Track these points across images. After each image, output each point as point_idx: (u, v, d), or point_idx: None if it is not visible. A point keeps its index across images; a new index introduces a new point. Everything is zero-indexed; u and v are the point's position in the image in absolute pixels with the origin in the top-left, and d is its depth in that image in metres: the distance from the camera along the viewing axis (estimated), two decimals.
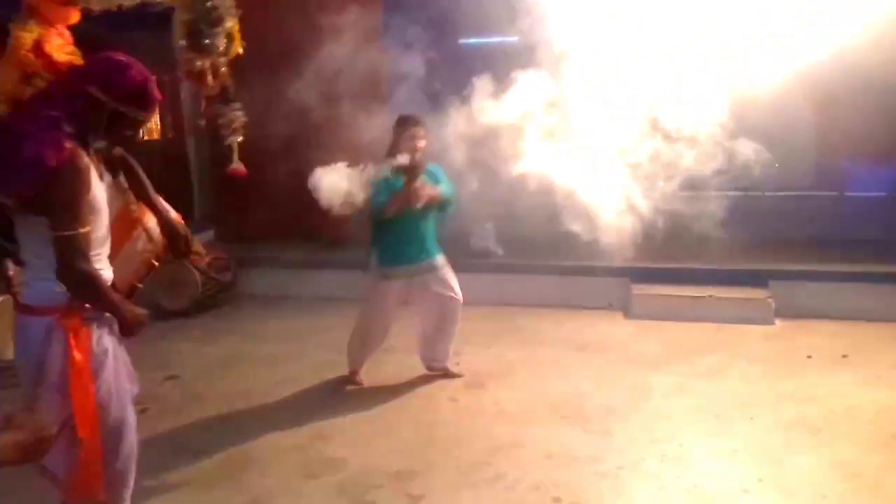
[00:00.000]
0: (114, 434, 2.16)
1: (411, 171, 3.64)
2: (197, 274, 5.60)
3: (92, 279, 2.03)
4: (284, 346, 4.87)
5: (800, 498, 2.80)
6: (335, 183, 3.47)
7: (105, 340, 2.14)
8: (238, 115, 4.51)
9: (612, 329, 5.05)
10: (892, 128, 7.43)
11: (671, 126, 5.80)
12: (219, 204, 7.31)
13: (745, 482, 2.92)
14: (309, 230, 6.90)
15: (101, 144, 2.20)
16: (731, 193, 9.05)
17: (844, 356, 4.33)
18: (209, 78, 4.19)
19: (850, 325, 4.90)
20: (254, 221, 6.83)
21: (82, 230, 1.98)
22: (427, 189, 3.75)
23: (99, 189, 2.09)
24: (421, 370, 4.24)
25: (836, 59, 4.70)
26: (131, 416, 2.26)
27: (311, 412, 3.75)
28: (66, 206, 1.95)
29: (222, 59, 4.28)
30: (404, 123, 3.78)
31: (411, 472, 3.07)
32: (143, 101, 2.11)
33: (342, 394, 4.00)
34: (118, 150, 2.38)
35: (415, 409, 3.75)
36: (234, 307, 5.94)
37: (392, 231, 3.80)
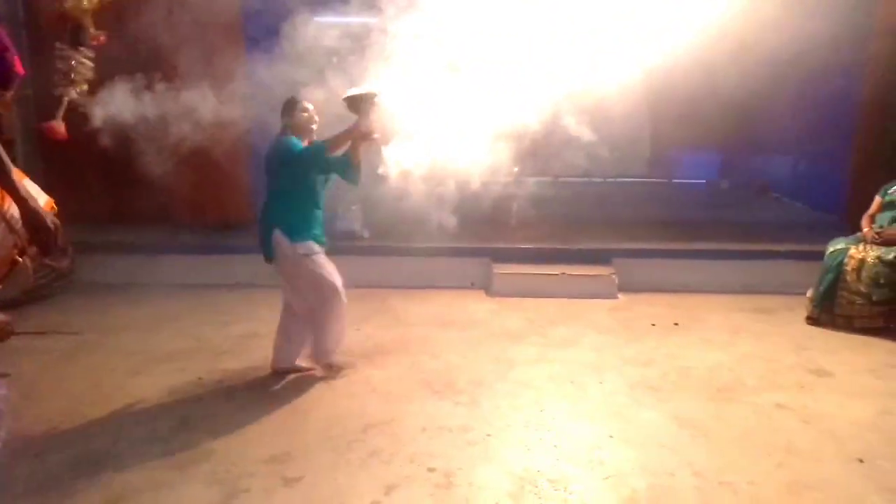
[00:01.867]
0: None
1: (368, 104, 3.53)
2: (28, 261, 5.04)
3: None
4: (135, 335, 4.55)
5: (645, 448, 3.12)
6: None
7: None
8: (85, 64, 4.07)
9: (476, 306, 5.26)
10: (712, 121, 8.38)
11: (521, 116, 6.15)
12: (52, 181, 6.60)
13: (599, 439, 3.20)
14: (157, 211, 6.47)
15: None
16: (577, 179, 9.80)
17: (676, 324, 4.86)
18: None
19: (681, 297, 5.50)
20: (94, 201, 6.28)
21: None
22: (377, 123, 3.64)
23: None
24: None
25: (667, 59, 5.20)
26: None
27: (171, 403, 3.56)
28: None
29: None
30: (293, 101, 3.70)
31: (286, 455, 3.03)
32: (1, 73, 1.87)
33: (205, 383, 3.82)
34: None
35: (286, 393, 3.68)
36: (73, 296, 5.44)
37: (303, 202, 3.70)
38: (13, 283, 5.09)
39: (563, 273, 5.66)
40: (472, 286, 5.77)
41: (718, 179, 10.23)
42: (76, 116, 5.28)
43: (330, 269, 3.79)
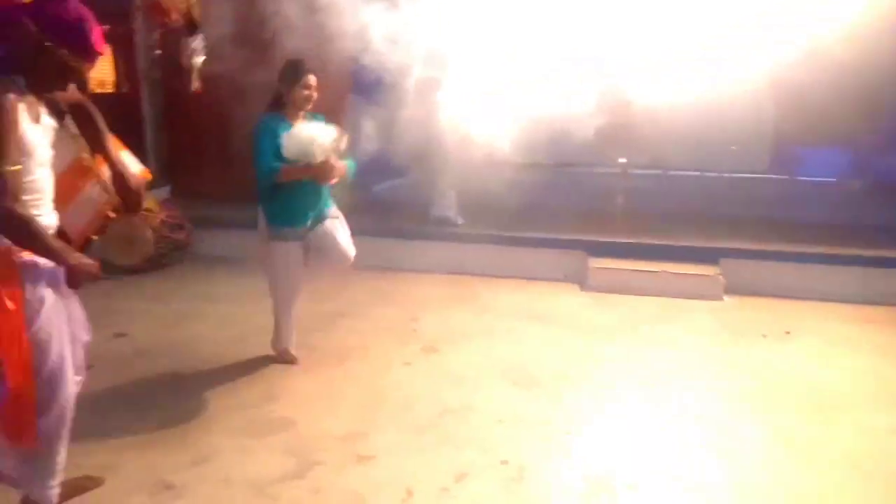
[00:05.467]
0: (49, 383, 2.11)
1: (336, 151, 3.36)
2: (150, 231, 5.45)
3: (22, 220, 1.93)
4: (236, 307, 4.80)
5: (736, 462, 2.90)
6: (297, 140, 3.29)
7: (41, 288, 2.06)
8: (200, 43, 4.32)
9: (567, 300, 5.12)
10: (845, 115, 7.64)
11: (635, 104, 5.90)
12: (174, 161, 7.11)
13: (685, 448, 3.01)
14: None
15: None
16: (689, 174, 9.30)
17: (787, 332, 4.48)
18: (173, 13, 4.00)
19: (794, 304, 5.07)
20: (210, 180, 6.66)
21: (9, 168, 1.89)
22: (339, 167, 3.40)
23: (31, 131, 2.00)
24: (377, 332, 4.25)
25: (796, 45, 4.79)
26: (69, 367, 2.20)
27: (260, 373, 3.72)
28: None
29: None
30: (297, 70, 3.40)
31: (361, 434, 3.08)
32: (74, 42, 1.97)
33: (293, 358, 3.96)
34: (76, 95, 2.28)
35: (367, 373, 3.74)
36: (187, 267, 5.82)
37: (287, 189, 3.39)
38: (137, 250, 5.54)
39: (665, 271, 5.38)
40: (565, 279, 5.61)
41: (850, 179, 9.33)
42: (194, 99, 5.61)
43: (290, 264, 3.57)
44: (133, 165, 2.50)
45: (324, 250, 3.61)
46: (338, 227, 3.67)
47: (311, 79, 3.42)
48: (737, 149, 8.89)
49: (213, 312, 4.70)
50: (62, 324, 2.17)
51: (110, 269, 5.37)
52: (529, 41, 4.80)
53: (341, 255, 3.65)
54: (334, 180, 3.44)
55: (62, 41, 1.95)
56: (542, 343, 4.21)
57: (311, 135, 3.34)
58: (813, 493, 2.69)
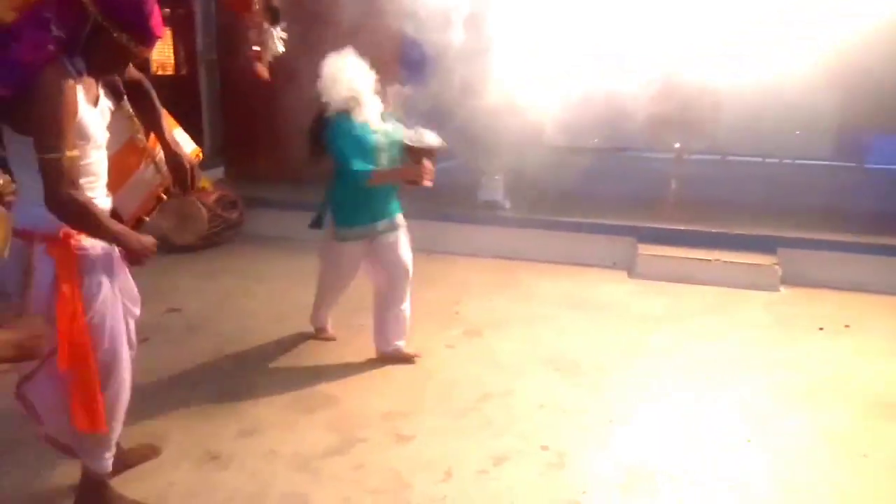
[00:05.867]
0: (106, 365, 2.18)
1: (430, 154, 3.29)
2: (204, 210, 5.62)
3: (82, 206, 1.94)
4: (285, 286, 4.91)
5: (784, 459, 2.81)
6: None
7: (97, 274, 2.12)
8: (280, 36, 4.32)
9: (614, 288, 5.03)
10: None
11: (692, 88, 5.71)
12: (228, 142, 7.29)
13: (731, 442, 2.94)
14: (317, 173, 6.87)
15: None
16: (748, 159, 8.97)
17: (847, 326, 4.30)
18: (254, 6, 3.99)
19: (855, 296, 4.86)
20: (263, 161, 6.80)
21: (69, 153, 1.89)
22: (431, 169, 3.27)
23: (89, 114, 2.03)
24: (422, 315, 4.28)
25: (861, 29, 4.54)
26: (124, 351, 2.27)
27: (307, 351, 3.80)
28: (49, 123, 1.87)
29: None
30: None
31: (402, 414, 3.12)
32: (133, 25, 1.94)
33: (344, 335, 4.02)
34: (134, 73, 2.29)
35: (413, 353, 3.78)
36: (239, 245, 5.98)
37: (355, 187, 3.29)
38: (191, 228, 5.72)
39: (718, 259, 5.22)
40: (614, 266, 5.51)
41: None
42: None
43: (345, 265, 3.53)
44: (187, 145, 2.53)
45: (386, 263, 3.52)
46: (402, 239, 3.57)
47: (352, 80, 3.29)
48: (800, 134, 8.53)
49: (262, 290, 4.82)
50: (117, 306, 2.23)
51: (165, 247, 5.60)
52: (583, 21, 4.69)
53: (404, 271, 3.57)
54: (427, 182, 3.28)
55: (121, 24, 1.93)
56: (586, 331, 4.16)
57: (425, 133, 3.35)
58: (863, 497, 2.59)
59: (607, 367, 3.65)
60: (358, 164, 3.21)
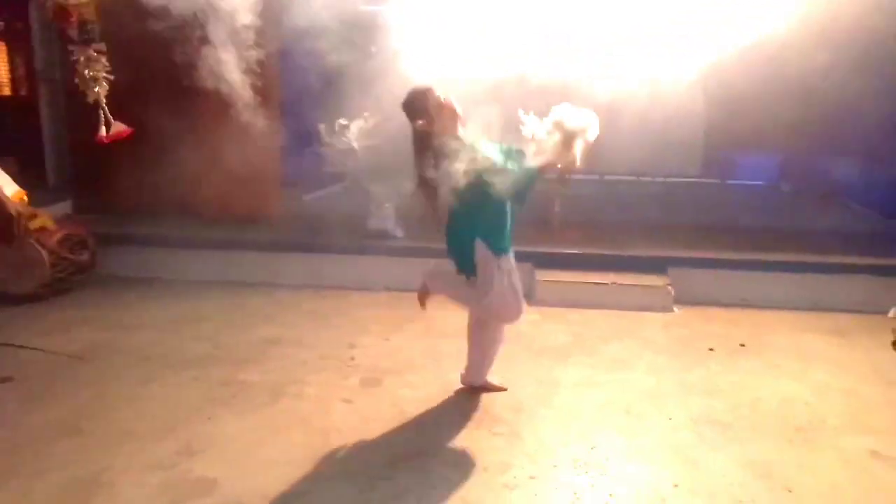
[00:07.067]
0: None
1: (578, 136, 3.10)
2: (45, 253, 4.80)
3: None
4: (152, 336, 4.26)
5: (717, 501, 2.66)
6: None
7: None
8: (98, 59, 3.79)
9: None
10: (772, 119, 7.74)
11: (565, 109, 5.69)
12: (77, 171, 6.41)
13: (661, 487, 2.75)
14: (186, 204, 6.20)
15: None
16: (624, 178, 9.27)
17: (742, 345, 4.34)
18: (71, 19, 3.54)
19: (743, 313, 4.97)
20: (119, 192, 6.03)
21: None
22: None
23: None
24: (313, 362, 3.83)
25: (725, 54, 4.70)
26: None
27: (181, 419, 3.22)
28: None
29: None
30: (428, 95, 3.13)
31: (297, 494, 2.66)
32: None
33: (220, 395, 3.48)
34: None
35: (304, 413, 3.31)
36: (95, 291, 5.19)
37: (502, 212, 3.21)
38: (30, 275, 4.87)
39: (614, 282, 5.18)
40: None
41: (778, 182, 9.54)
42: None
43: (508, 289, 3.26)
44: (7, 186, 2.02)
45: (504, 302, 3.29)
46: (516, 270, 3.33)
47: (440, 94, 3.14)
48: (671, 153, 8.93)
49: (123, 344, 4.14)
50: None
51: (2, 299, 4.73)
52: (457, 47, 4.50)
53: (519, 310, 3.38)
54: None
55: None
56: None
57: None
58: None
59: (524, 409, 3.39)
60: (525, 166, 3.07)
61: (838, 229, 6.57)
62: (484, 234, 3.18)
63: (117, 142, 3.94)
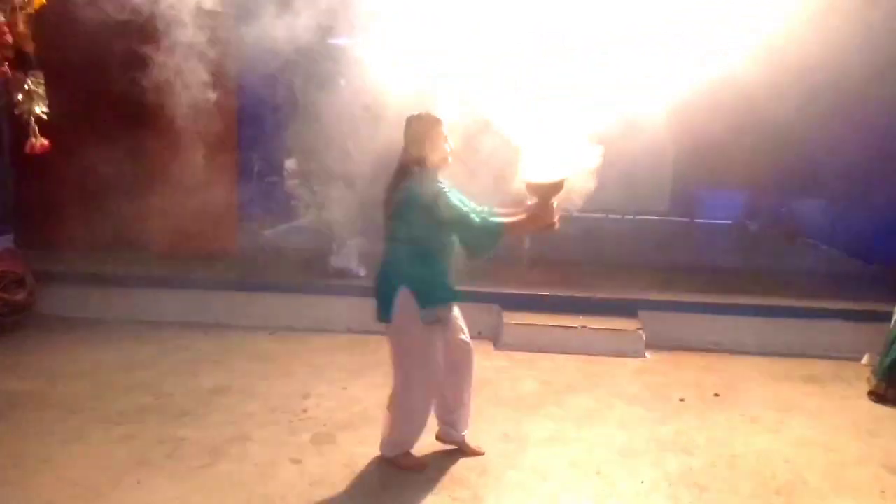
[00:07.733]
0: None
1: (557, 190, 2.87)
2: None
3: None
4: (87, 386, 3.91)
5: None
6: None
7: None
8: (38, 85, 3.64)
9: (482, 363, 4.49)
10: (739, 158, 7.76)
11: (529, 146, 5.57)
12: (19, 204, 6.04)
13: None
14: (136, 239, 5.88)
15: None
16: (591, 215, 9.20)
17: (716, 395, 4.16)
18: (6, 37, 3.38)
19: (716, 358, 4.82)
20: (64, 225, 5.69)
21: None
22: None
23: None
24: (261, 415, 3.52)
25: (692, 91, 4.64)
26: None
27: (105, 485, 2.88)
28: None
29: (21, 13, 3.41)
30: (436, 123, 2.94)
31: None
32: None
33: (153, 455, 3.15)
34: None
35: (246, 477, 3.00)
36: (29, 333, 4.83)
37: (442, 259, 2.98)
38: None
39: (584, 326, 4.99)
40: (480, 335, 5.09)
41: (745, 221, 9.56)
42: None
43: (438, 351, 3.04)
44: None
45: (456, 344, 3.18)
46: (458, 320, 3.23)
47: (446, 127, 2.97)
48: (640, 190, 8.88)
49: (53, 395, 3.79)
50: None
51: None
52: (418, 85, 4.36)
53: (471, 347, 3.28)
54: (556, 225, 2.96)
55: None
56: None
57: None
58: None
59: (489, 471, 3.13)
60: (486, 219, 2.88)
61: (805, 270, 6.53)
62: (413, 281, 2.93)
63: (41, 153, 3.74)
